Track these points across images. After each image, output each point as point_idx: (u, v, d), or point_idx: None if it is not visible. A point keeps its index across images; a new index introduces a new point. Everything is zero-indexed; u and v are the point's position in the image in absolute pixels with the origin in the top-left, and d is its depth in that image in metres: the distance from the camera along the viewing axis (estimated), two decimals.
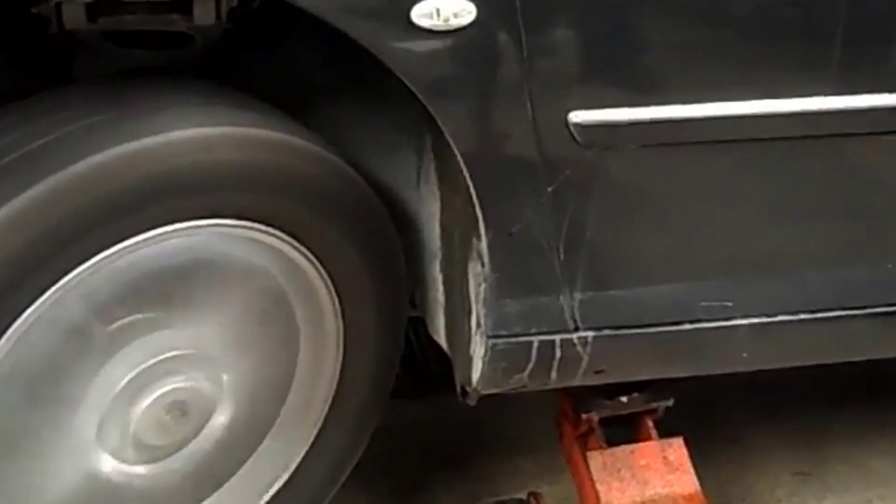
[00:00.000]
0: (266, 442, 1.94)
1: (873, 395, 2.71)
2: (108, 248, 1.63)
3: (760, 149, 1.89)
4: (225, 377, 1.84)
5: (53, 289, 1.61)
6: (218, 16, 1.69)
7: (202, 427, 1.85)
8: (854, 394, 2.72)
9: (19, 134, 1.63)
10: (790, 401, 2.69)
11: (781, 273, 2.00)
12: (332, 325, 1.91)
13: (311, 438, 1.98)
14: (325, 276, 1.86)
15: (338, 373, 1.95)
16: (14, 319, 1.60)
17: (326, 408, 1.97)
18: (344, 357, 1.94)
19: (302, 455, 1.98)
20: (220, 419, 1.86)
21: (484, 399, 2.01)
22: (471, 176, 1.76)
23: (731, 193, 1.92)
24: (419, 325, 2.12)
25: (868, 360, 2.24)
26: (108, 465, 1.78)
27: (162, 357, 1.76)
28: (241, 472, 1.94)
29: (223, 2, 1.68)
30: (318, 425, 1.98)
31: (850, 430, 2.61)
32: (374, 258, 1.88)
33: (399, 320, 1.98)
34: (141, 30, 1.73)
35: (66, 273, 1.61)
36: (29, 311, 1.61)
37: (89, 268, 1.63)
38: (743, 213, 1.94)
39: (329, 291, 1.87)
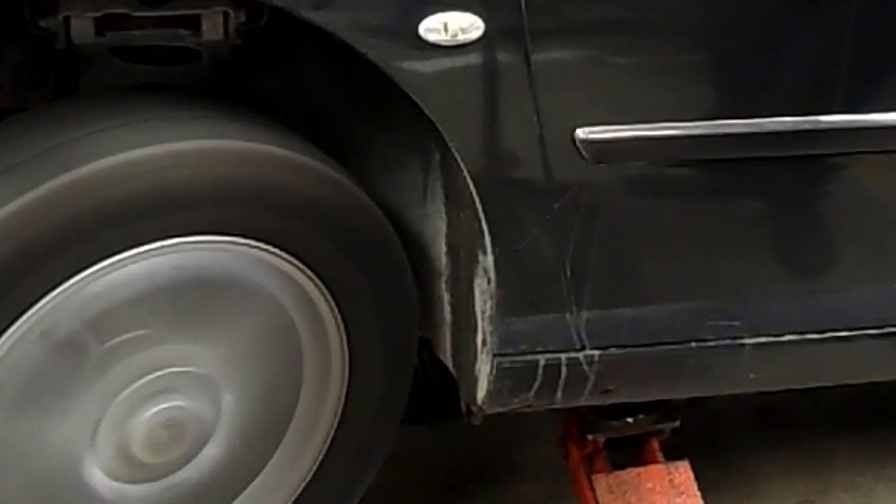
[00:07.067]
0: (265, 471, 1.91)
1: (878, 423, 2.70)
2: (104, 260, 1.62)
3: (769, 167, 1.89)
4: (224, 399, 1.81)
5: (47, 299, 1.60)
6: (226, 32, 1.70)
7: (199, 450, 1.81)
8: (859, 422, 2.70)
9: (13, 144, 1.64)
10: (795, 428, 2.67)
11: (789, 292, 2.00)
12: (338, 349, 1.88)
13: (314, 469, 1.95)
14: (329, 298, 1.83)
15: (343, 399, 1.92)
16: (6, 328, 1.60)
17: (331, 435, 1.93)
18: (349, 383, 1.91)
19: (303, 487, 1.95)
20: (217, 445, 1.83)
21: (488, 425, 1.99)
22: (477, 192, 1.76)
23: (738, 211, 1.92)
24: (422, 348, 2.11)
25: (874, 387, 2.23)
26: (99, 481, 1.75)
27: (159, 374, 1.73)
28: (239, 500, 1.90)
29: (231, 18, 1.69)
30: (321, 455, 1.94)
31: (854, 459, 2.59)
32: (381, 280, 1.86)
33: (409, 346, 1.96)
34: (149, 46, 1.74)
35: (60, 283, 1.61)
36: (22, 319, 1.60)
37: (84, 279, 1.62)
38: (750, 231, 1.94)
39: (333, 314, 1.85)
